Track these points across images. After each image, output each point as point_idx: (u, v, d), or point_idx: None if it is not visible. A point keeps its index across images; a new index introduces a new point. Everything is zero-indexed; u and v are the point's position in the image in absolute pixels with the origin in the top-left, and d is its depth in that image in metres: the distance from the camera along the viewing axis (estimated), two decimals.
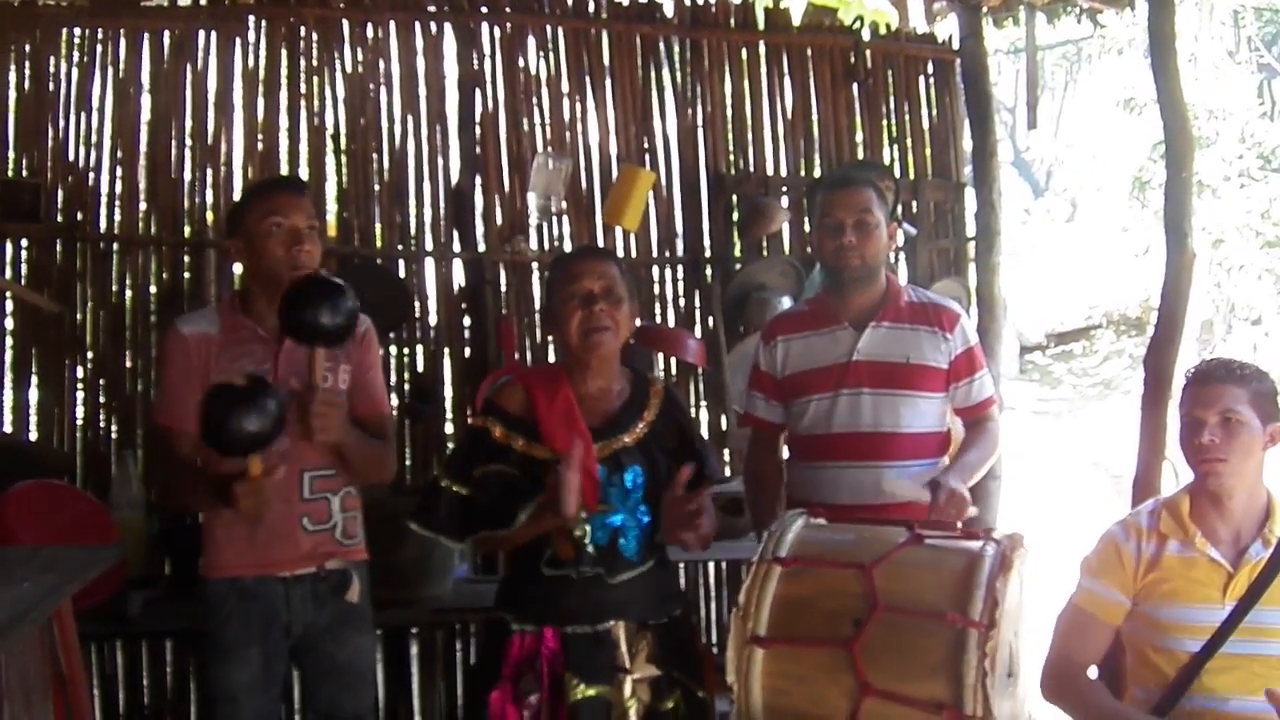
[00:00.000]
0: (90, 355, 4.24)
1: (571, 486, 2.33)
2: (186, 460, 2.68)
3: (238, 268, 3.35)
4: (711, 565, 4.70)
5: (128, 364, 4.27)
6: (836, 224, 2.97)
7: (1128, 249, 13.72)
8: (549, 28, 4.72)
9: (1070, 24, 5.54)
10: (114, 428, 4.24)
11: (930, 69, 5.21)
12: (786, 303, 4.53)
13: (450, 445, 4.47)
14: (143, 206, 4.33)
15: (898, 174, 5.01)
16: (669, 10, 4.87)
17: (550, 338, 4.32)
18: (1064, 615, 2.73)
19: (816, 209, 3.07)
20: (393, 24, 4.55)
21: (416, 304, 4.53)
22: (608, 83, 4.77)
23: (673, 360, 4.77)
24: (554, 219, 4.66)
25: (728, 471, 4.56)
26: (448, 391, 4.58)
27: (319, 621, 2.74)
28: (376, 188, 4.54)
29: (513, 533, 2.45)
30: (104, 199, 4.29)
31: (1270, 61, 15.40)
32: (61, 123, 4.25)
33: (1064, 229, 17.13)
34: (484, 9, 4.65)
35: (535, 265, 4.61)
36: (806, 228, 4.86)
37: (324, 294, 2.52)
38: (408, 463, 4.47)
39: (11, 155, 4.21)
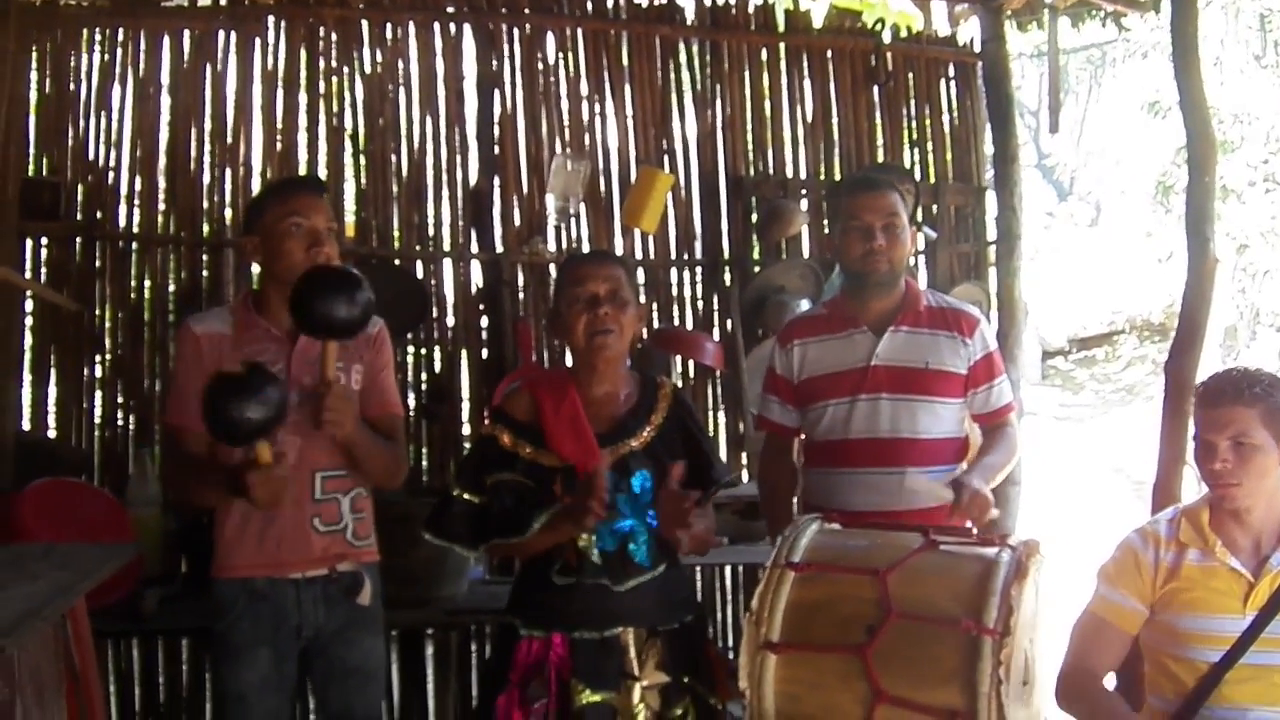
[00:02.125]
0: (109, 354, 4.26)
1: (597, 505, 2.33)
2: (197, 458, 2.67)
3: (254, 266, 3.32)
4: (728, 569, 4.68)
5: (146, 362, 4.28)
6: (865, 227, 2.94)
7: (1151, 254, 13.62)
8: (568, 29, 4.70)
9: (1094, 27, 5.49)
10: (132, 426, 4.25)
11: (952, 72, 5.16)
12: (805, 306, 4.49)
13: (466, 447, 4.45)
14: (162, 206, 4.34)
15: (918, 177, 4.99)
16: (689, 12, 4.85)
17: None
18: (1080, 623, 2.71)
19: (840, 211, 3.04)
20: (412, 25, 4.55)
21: (434, 305, 4.52)
22: (627, 84, 4.76)
23: (690, 363, 4.74)
24: (572, 220, 4.63)
25: (745, 476, 4.59)
26: (464, 393, 4.57)
27: (330, 624, 2.73)
28: (395, 188, 4.53)
29: (526, 541, 2.46)
30: (123, 198, 4.31)
31: None
32: (82, 122, 4.26)
33: (1087, 233, 17.01)
34: (503, 10, 4.64)
35: (553, 267, 4.56)
36: (825, 230, 4.86)
37: (340, 285, 2.51)
38: (424, 464, 4.47)
39: (32, 154, 4.21)
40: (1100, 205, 17.39)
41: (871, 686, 2.04)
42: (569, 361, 4.24)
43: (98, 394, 4.25)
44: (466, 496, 2.57)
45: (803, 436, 3.21)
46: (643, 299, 2.70)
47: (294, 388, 2.60)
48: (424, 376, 4.54)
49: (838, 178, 4.92)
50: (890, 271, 2.98)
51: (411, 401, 4.43)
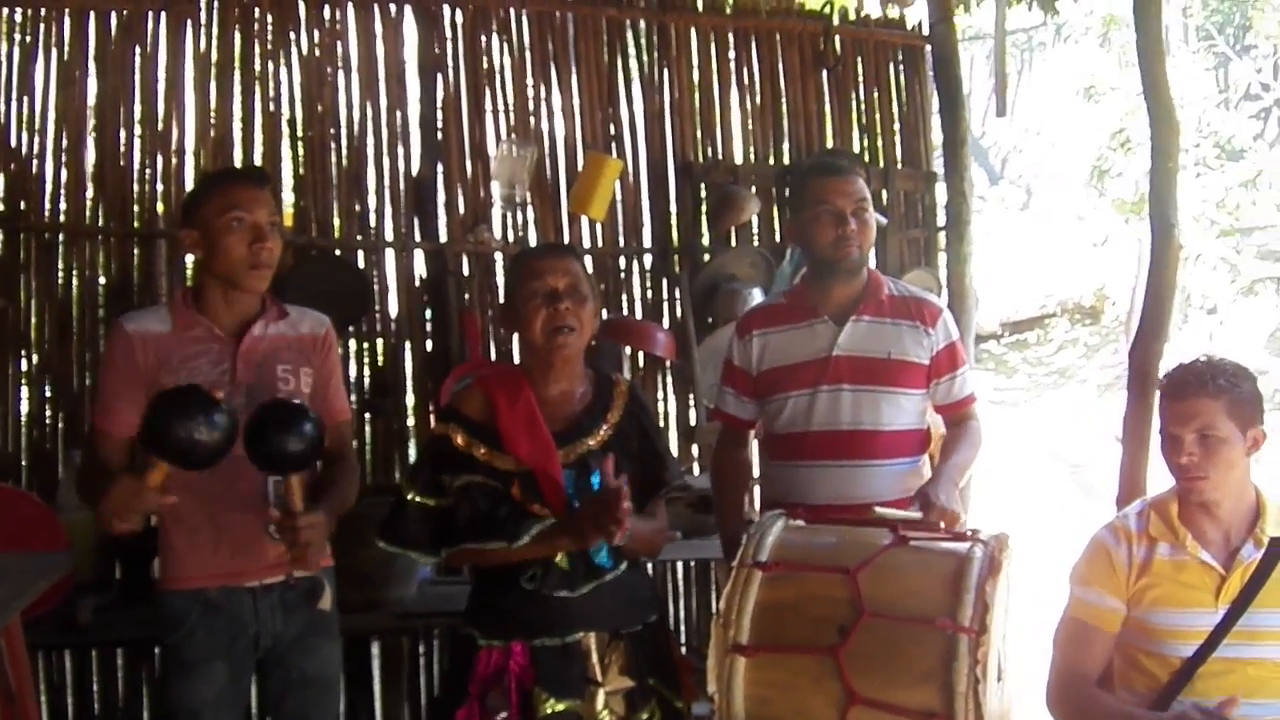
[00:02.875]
0: (35, 351, 4.11)
1: (617, 527, 2.27)
2: (109, 467, 2.55)
3: (190, 259, 3.24)
4: (680, 565, 4.63)
5: (75, 359, 4.13)
6: (837, 212, 2.91)
7: (1083, 238, 13.82)
8: (512, 10, 4.60)
9: (1021, 11, 5.52)
10: (61, 426, 4.10)
11: (900, 55, 5.15)
12: (757, 294, 4.48)
13: (412, 443, 4.39)
14: (90, 195, 4.18)
15: (867, 161, 4.98)
16: None
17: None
18: (1062, 629, 2.68)
19: (807, 196, 2.98)
20: (351, 6, 4.43)
21: (376, 296, 4.42)
22: (573, 68, 4.68)
23: (640, 354, 4.70)
24: (518, 208, 4.57)
25: (696, 469, 4.61)
26: (409, 387, 4.48)
27: (288, 632, 2.67)
28: (334, 176, 4.42)
29: (513, 550, 2.40)
30: (49, 187, 4.14)
31: (1225, 50, 15.53)
32: (2, 106, 4.09)
33: (1019, 217, 17.24)
34: None
35: (499, 256, 4.52)
36: (777, 217, 4.85)
37: (287, 421, 2.42)
38: (367, 461, 4.36)
39: None
40: (1031, 189, 17.61)
41: (845, 688, 2.03)
42: (516, 355, 4.23)
43: (24, 393, 4.11)
44: (421, 500, 2.51)
45: (757, 429, 3.19)
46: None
47: (238, 391, 2.56)
48: (366, 370, 4.45)
49: (787, 163, 4.90)
50: (860, 258, 2.96)
51: (354, 396, 4.32)
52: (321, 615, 2.69)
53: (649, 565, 4.25)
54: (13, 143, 4.10)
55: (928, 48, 5.14)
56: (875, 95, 5.09)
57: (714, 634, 2.14)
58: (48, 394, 4.10)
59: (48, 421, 4.10)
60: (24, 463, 4.06)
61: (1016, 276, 15.57)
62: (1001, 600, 2.09)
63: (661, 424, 4.60)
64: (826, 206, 2.92)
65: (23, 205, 4.10)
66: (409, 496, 2.51)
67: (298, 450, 2.40)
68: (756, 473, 3.62)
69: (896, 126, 5.13)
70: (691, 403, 4.69)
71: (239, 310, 2.66)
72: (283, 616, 2.65)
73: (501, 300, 3.22)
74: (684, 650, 4.42)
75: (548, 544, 2.40)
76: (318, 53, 4.40)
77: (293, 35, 4.37)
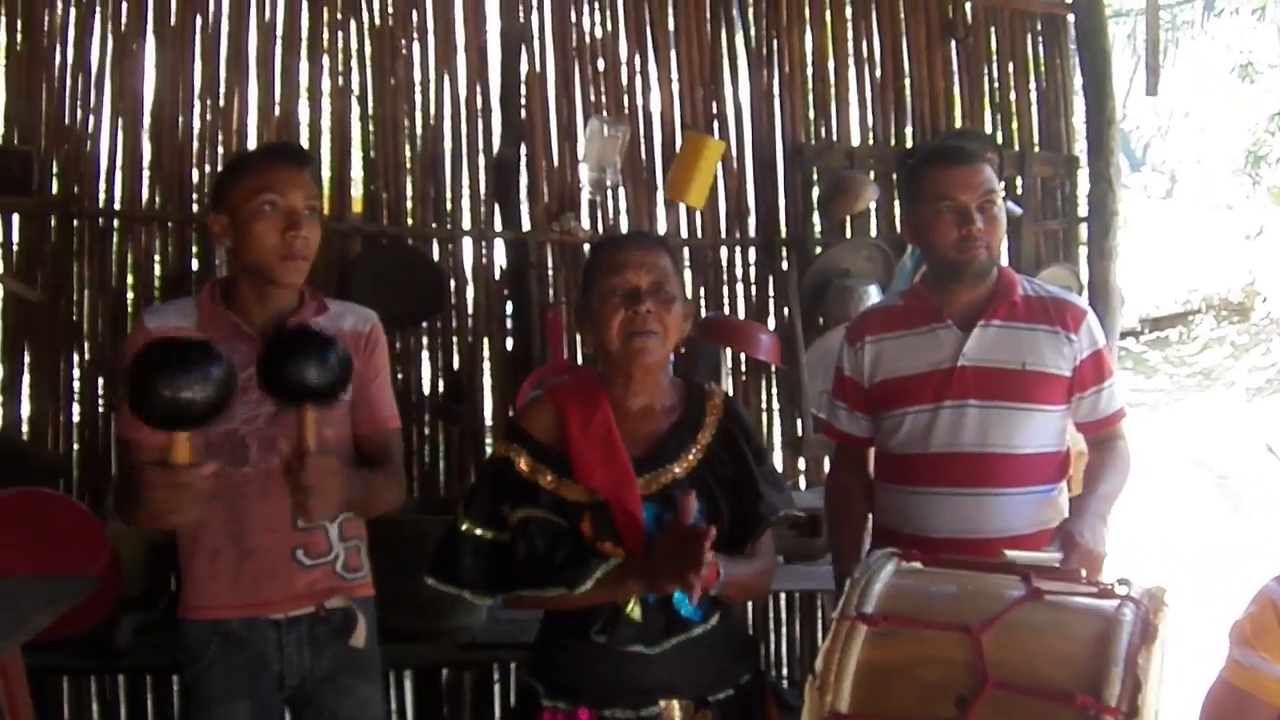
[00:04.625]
0: (88, 345, 3.98)
1: (696, 576, 1.98)
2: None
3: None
4: (783, 594, 4.38)
5: None
6: (960, 208, 2.62)
7: (1231, 229, 13.31)
8: None
9: None
10: (114, 427, 3.88)
11: (1039, 26, 4.92)
12: (873, 292, 4.30)
13: (489, 449, 4.20)
14: (146, 178, 4.04)
15: (1000, 144, 4.76)
16: None
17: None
18: (1215, 697, 2.25)
19: (925, 189, 2.70)
20: None
21: (452, 290, 4.27)
22: (672, 38, 4.50)
23: (742, 356, 4.51)
24: (609, 194, 4.39)
25: (803, 482, 4.42)
26: (486, 390, 4.33)
27: (318, 670, 2.48)
28: (408, 158, 4.29)
29: (576, 596, 2.12)
30: (103, 169, 4.00)
31: None
32: (56, 83, 3.96)
33: (1161, 206, 16.77)
34: None
35: (586, 247, 4.28)
36: (898, 207, 4.59)
37: (309, 347, 2.22)
38: (440, 472, 4.22)
39: (1, 120, 3.94)
40: (1175, 176, 17.06)
41: None
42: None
43: (75, 390, 3.97)
44: (479, 533, 2.25)
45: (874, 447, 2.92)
46: (689, 289, 2.30)
47: (268, 394, 2.34)
48: (440, 371, 4.27)
49: (910, 146, 4.69)
50: (990, 259, 2.68)
51: (427, 397, 4.21)
52: (355, 652, 2.51)
53: (748, 602, 4.00)
54: (66, 122, 3.97)
55: (1070, 17, 4.90)
56: (1011, 70, 4.87)
57: (808, 698, 1.84)
58: (100, 393, 3.98)
59: (99, 423, 3.97)
60: (75, 465, 3.95)
61: (1158, 269, 15.23)
62: (1156, 673, 1.79)
63: (765, 435, 4.44)
64: (947, 202, 2.63)
65: (76, 189, 3.97)
66: (463, 527, 2.25)
67: (317, 379, 2.19)
68: None
69: (1034, 105, 4.90)
70: (798, 412, 4.48)
71: (272, 306, 2.47)
72: (311, 653, 2.48)
73: (577, 297, 2.97)
74: (785, 684, 4.23)
75: (616, 587, 2.11)
76: (390, 22, 4.26)
77: (363, 3, 4.25)
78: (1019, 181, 4.73)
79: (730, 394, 2.48)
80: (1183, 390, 13.54)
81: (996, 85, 4.84)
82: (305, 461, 2.16)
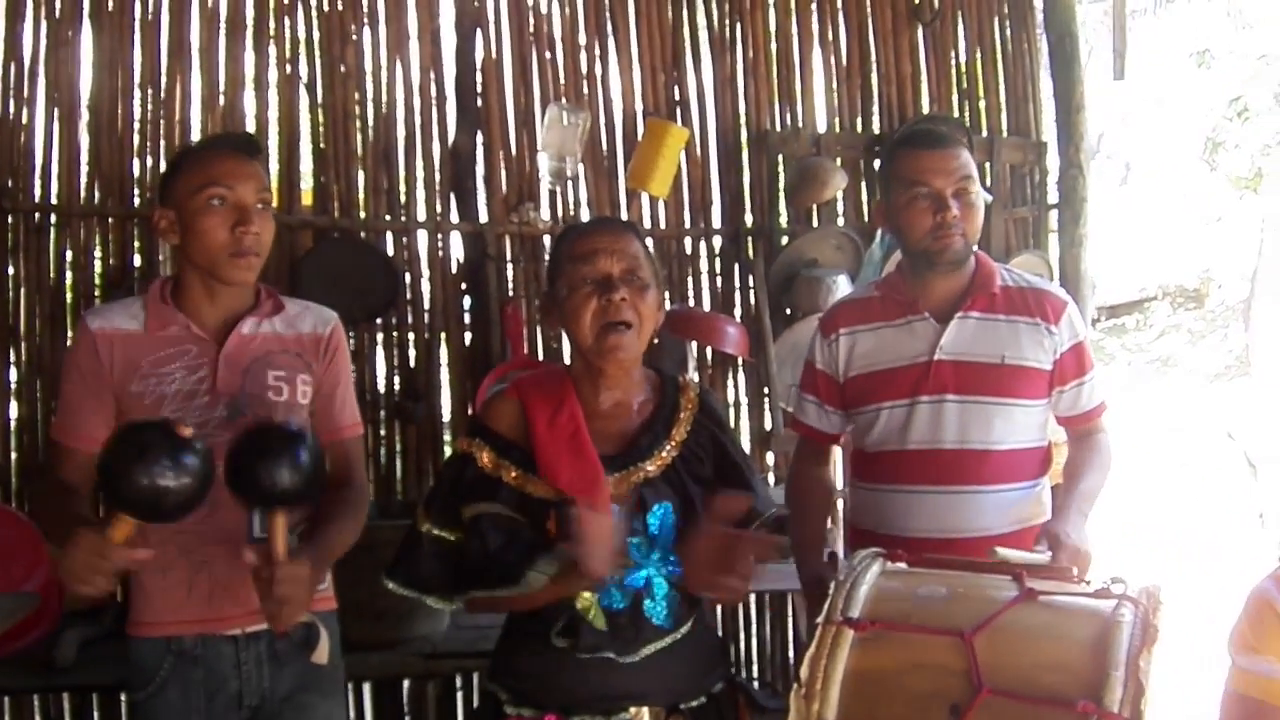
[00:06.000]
0: (24, 346, 3.91)
1: (598, 535, 1.91)
2: (70, 488, 2.31)
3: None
4: (752, 595, 4.34)
5: None
6: (935, 194, 2.56)
7: (1188, 216, 13.41)
8: None
9: None
10: (50, 430, 3.78)
11: (1006, 9, 4.79)
12: (842, 282, 4.23)
13: (448, 452, 4.06)
14: (84, 171, 3.97)
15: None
16: None
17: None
18: (1227, 709, 2.20)
19: (898, 174, 2.64)
20: None
21: (407, 284, 4.21)
22: (632, 23, 4.42)
23: (708, 350, 4.44)
24: (569, 183, 4.32)
25: (771, 479, 4.34)
26: (444, 388, 4.24)
27: (279, 688, 2.40)
28: (360, 148, 4.22)
29: (524, 595, 2.05)
30: (39, 163, 3.93)
31: None
32: None
33: (1116, 193, 16.86)
34: None
35: (547, 239, 4.27)
36: (866, 194, 4.59)
37: (275, 447, 2.14)
38: (397, 475, 4.16)
39: None
40: (1130, 163, 17.18)
41: None
42: (566, 353, 3.84)
43: (12, 393, 3.89)
44: (439, 533, 2.16)
45: (842, 443, 2.91)
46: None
47: (220, 399, 2.33)
48: (396, 369, 4.22)
49: (877, 133, 4.61)
50: (966, 248, 2.61)
51: (381, 398, 4.16)
52: (317, 668, 2.42)
53: (717, 607, 3.93)
54: None
55: (1038, 0, 4.81)
56: (978, 54, 4.77)
57: (793, 707, 1.79)
58: (39, 396, 3.90)
59: (38, 427, 3.89)
60: (12, 472, 3.87)
61: (1113, 257, 15.19)
62: (1154, 675, 1.75)
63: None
64: (922, 188, 2.57)
65: (10, 183, 3.89)
66: (424, 529, 2.17)
67: (289, 486, 2.10)
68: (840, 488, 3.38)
69: (1002, 90, 4.79)
70: (767, 406, 4.42)
71: (224, 305, 2.40)
72: (271, 670, 2.39)
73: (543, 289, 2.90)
74: (756, 685, 4.18)
75: (563, 584, 2.02)
76: (340, 6, 4.18)
77: None
78: (988, 168, 4.65)
79: (705, 386, 2.41)
80: (1141, 377, 13.60)
81: (963, 69, 4.76)
82: (276, 573, 2.09)
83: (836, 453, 3.13)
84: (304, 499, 2.18)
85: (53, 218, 3.93)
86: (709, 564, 1.96)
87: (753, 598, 4.35)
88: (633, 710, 2.11)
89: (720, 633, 4.00)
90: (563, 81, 4.37)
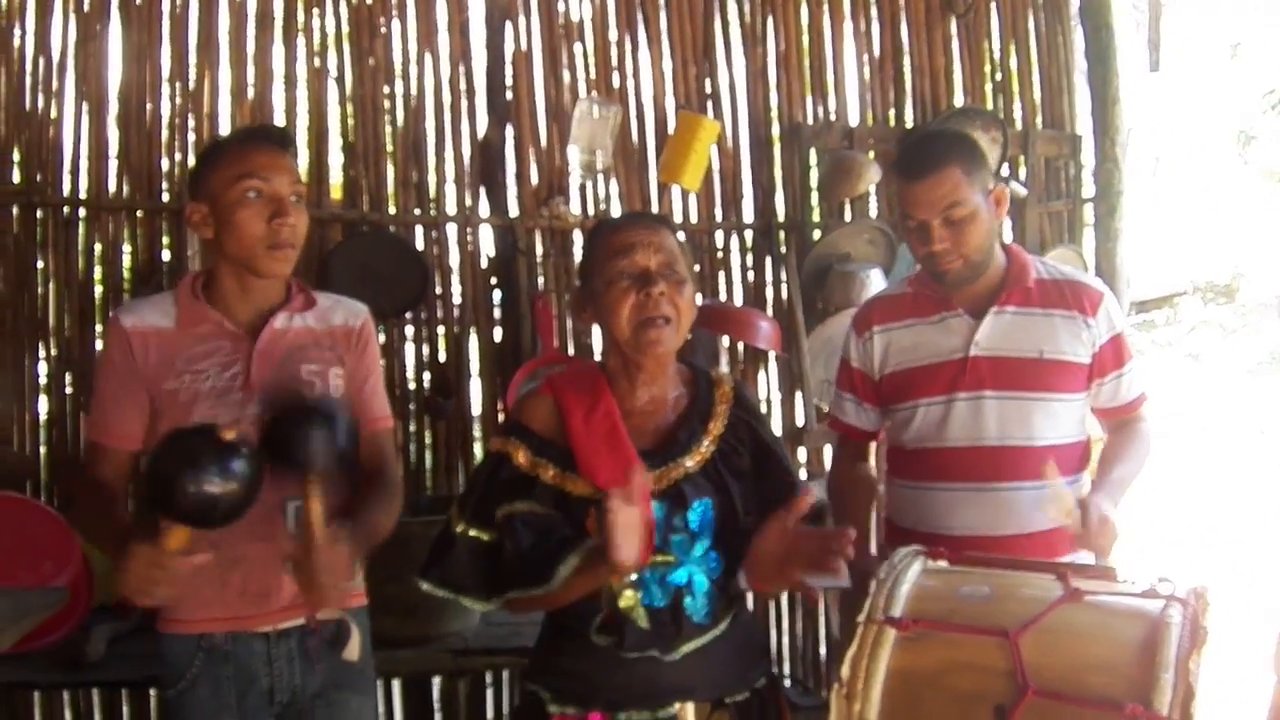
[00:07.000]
0: (54, 340, 3.89)
1: (627, 525, 1.87)
2: (111, 489, 2.34)
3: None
4: (785, 593, 4.22)
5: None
6: (920, 226, 2.57)
7: (1220, 210, 13.27)
8: None
9: None
10: (83, 426, 3.84)
11: (1041, 1, 4.79)
12: (875, 276, 4.22)
13: (479, 447, 4.12)
14: (113, 165, 3.95)
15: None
16: None
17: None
18: None
19: (898, 194, 2.65)
20: None
21: (437, 279, 4.18)
22: (663, 16, 4.40)
23: (740, 345, 4.43)
24: (599, 177, 4.29)
25: (804, 474, 4.31)
26: (474, 383, 4.22)
27: (309, 685, 2.40)
28: (389, 141, 4.20)
29: (554, 592, 2.03)
30: (68, 157, 3.91)
31: None
32: (15, 67, 3.86)
33: (1145, 186, 16.71)
34: None
35: (578, 232, 4.25)
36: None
37: (316, 415, 2.17)
38: (427, 470, 4.12)
39: None
40: (1160, 156, 17.04)
41: None
42: (598, 348, 3.94)
43: (42, 388, 3.88)
44: (474, 533, 2.14)
45: (879, 440, 2.87)
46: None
47: (252, 398, 2.33)
48: (426, 364, 4.18)
49: (910, 125, 4.60)
50: (967, 266, 2.58)
51: (411, 394, 4.13)
52: (348, 665, 2.42)
53: (749, 597, 3.91)
54: (27, 106, 3.87)
55: None
56: (1012, 46, 4.76)
57: (835, 706, 1.79)
58: (68, 390, 3.88)
59: (68, 422, 3.88)
60: (41, 469, 3.84)
61: (1142, 251, 15.01)
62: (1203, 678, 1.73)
63: None
64: (910, 221, 2.58)
65: (39, 178, 3.87)
66: (458, 529, 2.16)
67: (327, 452, 2.13)
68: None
69: (1036, 82, 4.79)
70: (799, 402, 4.40)
71: (257, 300, 2.40)
72: (302, 667, 2.39)
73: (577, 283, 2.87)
74: (788, 683, 4.19)
75: (589, 577, 2.00)
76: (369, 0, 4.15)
77: None
78: (1022, 161, 4.65)
79: (740, 380, 2.39)
80: (1173, 373, 13.47)
81: (998, 61, 4.75)
82: (314, 557, 2.09)
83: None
84: (340, 469, 2.18)
85: (81, 212, 3.91)
86: (811, 555, 1.95)
87: (784, 595, 4.30)
88: (678, 705, 2.11)
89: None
90: (593, 74, 4.35)
